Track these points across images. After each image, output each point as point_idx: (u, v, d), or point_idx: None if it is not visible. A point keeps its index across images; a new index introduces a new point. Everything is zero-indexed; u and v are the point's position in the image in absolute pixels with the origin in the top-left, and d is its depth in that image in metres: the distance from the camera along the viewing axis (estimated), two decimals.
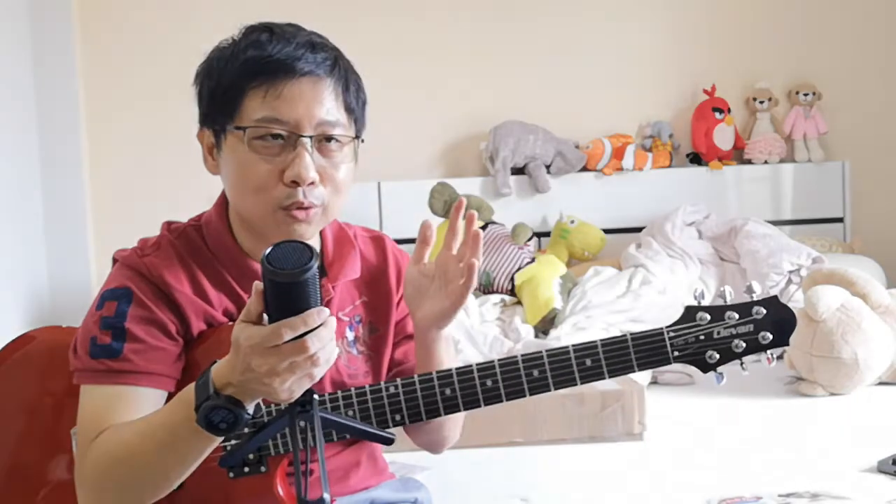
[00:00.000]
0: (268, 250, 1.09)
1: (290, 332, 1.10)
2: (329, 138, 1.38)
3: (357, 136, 1.43)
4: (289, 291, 1.09)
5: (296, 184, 1.35)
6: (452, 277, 1.41)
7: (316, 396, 1.16)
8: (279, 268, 1.07)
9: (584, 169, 4.22)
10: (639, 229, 4.10)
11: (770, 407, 2.90)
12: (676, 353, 1.38)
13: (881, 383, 3.06)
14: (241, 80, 1.37)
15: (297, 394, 1.15)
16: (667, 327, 1.39)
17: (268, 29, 1.40)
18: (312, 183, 1.36)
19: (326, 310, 1.12)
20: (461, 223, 1.43)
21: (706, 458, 2.43)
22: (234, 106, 1.37)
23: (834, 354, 2.93)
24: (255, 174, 1.36)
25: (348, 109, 1.41)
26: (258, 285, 1.12)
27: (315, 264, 1.08)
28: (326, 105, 1.37)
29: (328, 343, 1.12)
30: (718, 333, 1.38)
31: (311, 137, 1.36)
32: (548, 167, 4.18)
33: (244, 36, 1.40)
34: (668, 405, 2.85)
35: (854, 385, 2.97)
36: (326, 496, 1.09)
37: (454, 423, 1.57)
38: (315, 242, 1.49)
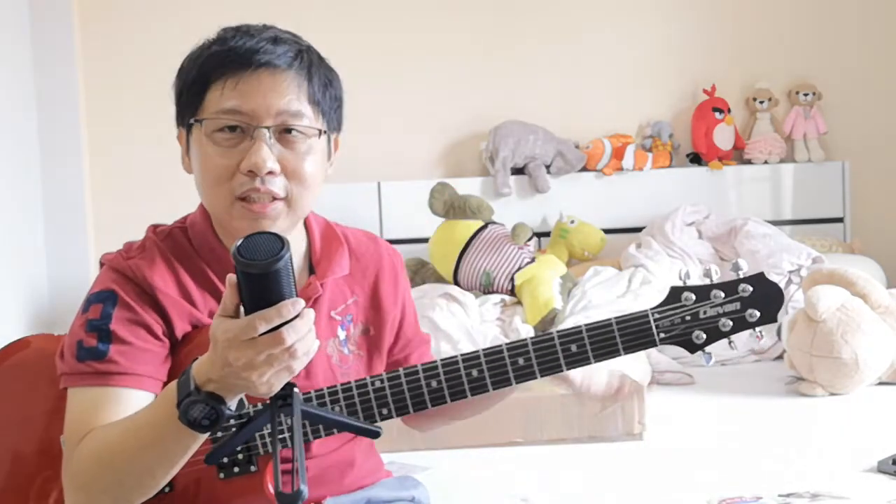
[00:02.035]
0: (238, 242, 1.09)
1: (264, 324, 1.10)
2: (289, 129, 1.37)
3: (326, 132, 1.41)
4: (261, 282, 1.09)
5: (253, 174, 1.34)
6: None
7: (297, 390, 1.16)
8: (250, 259, 1.07)
9: (584, 169, 4.22)
10: (639, 229, 4.09)
11: (770, 407, 2.90)
12: (662, 335, 1.35)
13: (881, 383, 3.06)
14: (203, 75, 1.37)
15: (277, 387, 1.15)
16: (652, 309, 1.36)
17: (237, 28, 1.41)
18: (271, 172, 1.35)
19: (301, 301, 1.11)
20: None
21: (706, 458, 2.43)
22: (198, 101, 1.38)
23: (834, 354, 2.93)
24: (213, 166, 1.36)
25: (312, 102, 1.39)
26: (232, 278, 1.12)
27: (286, 254, 1.08)
28: (287, 96, 1.36)
29: (306, 335, 1.12)
30: (705, 313, 1.35)
31: (268, 128, 1.35)
32: (548, 167, 4.18)
33: (215, 36, 1.42)
34: (668, 405, 2.85)
35: (854, 385, 2.97)
36: (304, 488, 1.08)
37: (459, 411, 1.55)
38: (302, 240, 1.48)
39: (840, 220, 4.26)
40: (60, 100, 4.06)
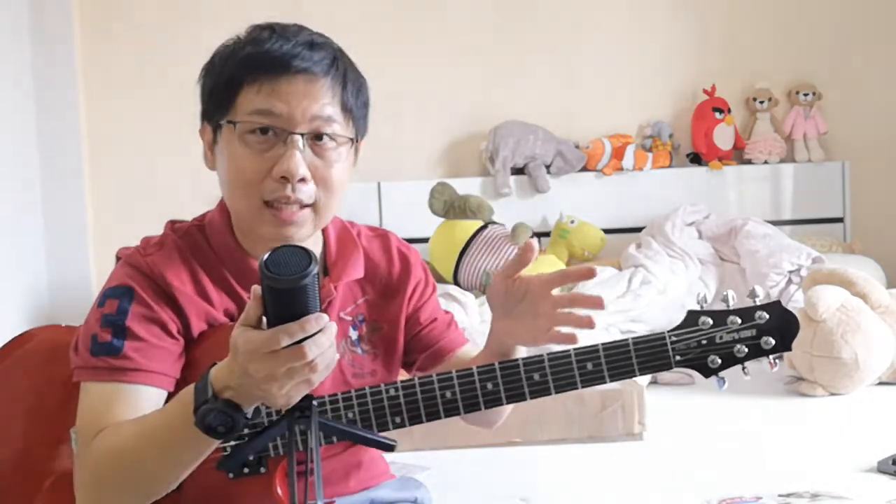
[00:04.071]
0: (265, 256, 1.08)
1: (287, 339, 1.09)
2: (321, 136, 1.37)
3: (355, 139, 1.42)
4: (287, 297, 1.08)
5: (285, 179, 1.35)
6: (542, 314, 1.42)
7: (315, 402, 1.16)
8: (277, 274, 1.06)
9: (584, 169, 4.22)
10: (639, 229, 4.09)
11: (770, 407, 2.90)
12: (678, 358, 1.37)
13: (881, 383, 3.06)
14: (237, 76, 1.37)
15: (295, 399, 1.15)
16: (669, 331, 1.38)
17: (270, 28, 1.40)
18: (302, 180, 1.35)
19: (325, 316, 1.11)
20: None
21: (706, 458, 2.43)
22: (230, 101, 1.38)
23: (834, 354, 2.93)
24: (244, 168, 1.36)
25: (345, 108, 1.40)
26: (256, 290, 1.12)
27: (314, 270, 1.07)
28: (321, 102, 1.36)
29: (327, 349, 1.12)
30: (721, 338, 1.37)
31: (303, 135, 1.36)
32: (548, 167, 4.18)
33: (247, 34, 1.41)
34: (668, 405, 2.85)
35: (854, 385, 2.97)
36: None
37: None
38: (318, 242, 1.48)
39: (840, 220, 4.26)
40: (60, 101, 4.05)
